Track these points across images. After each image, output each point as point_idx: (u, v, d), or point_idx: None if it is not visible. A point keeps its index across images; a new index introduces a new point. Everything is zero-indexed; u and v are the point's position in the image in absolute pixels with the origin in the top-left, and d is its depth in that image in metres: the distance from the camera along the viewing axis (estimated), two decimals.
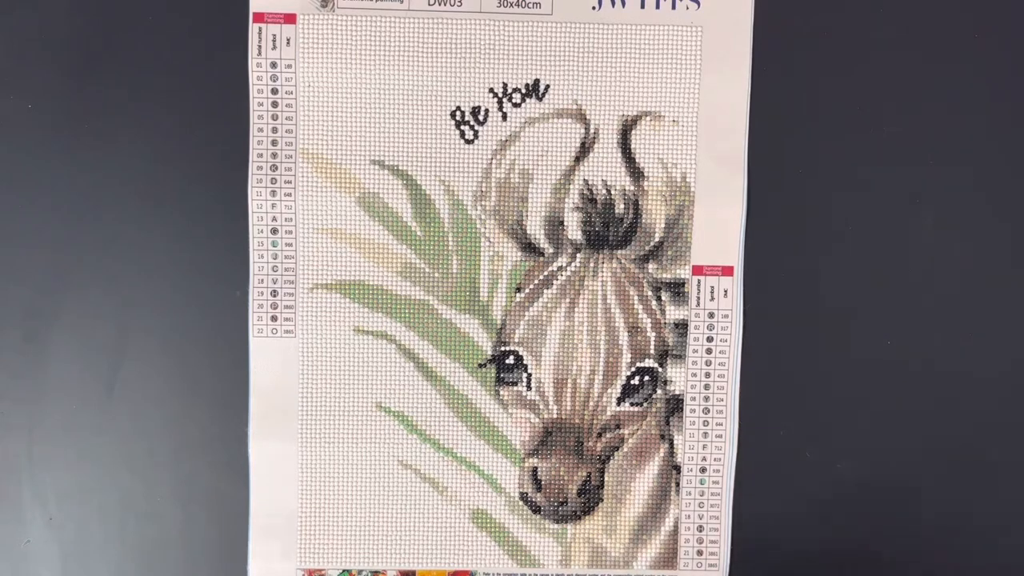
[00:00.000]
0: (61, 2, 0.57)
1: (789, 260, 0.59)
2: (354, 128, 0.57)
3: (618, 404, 0.59)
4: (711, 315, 0.59)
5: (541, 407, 0.59)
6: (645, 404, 0.59)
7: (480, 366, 0.59)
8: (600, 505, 0.60)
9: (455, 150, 0.58)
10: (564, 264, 0.59)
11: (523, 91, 0.58)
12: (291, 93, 0.57)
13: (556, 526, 0.60)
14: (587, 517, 0.60)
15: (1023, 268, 0.60)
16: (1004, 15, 0.58)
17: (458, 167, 0.58)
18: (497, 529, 0.60)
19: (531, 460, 0.59)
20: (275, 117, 0.57)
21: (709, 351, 0.59)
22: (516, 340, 0.59)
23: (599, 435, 0.59)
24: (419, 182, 0.58)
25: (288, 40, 0.57)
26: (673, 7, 0.57)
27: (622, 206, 0.58)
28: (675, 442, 0.60)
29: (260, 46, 0.57)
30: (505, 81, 0.57)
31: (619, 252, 0.59)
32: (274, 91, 0.57)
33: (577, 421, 0.59)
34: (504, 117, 0.58)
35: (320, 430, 0.59)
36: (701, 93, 0.58)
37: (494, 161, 0.58)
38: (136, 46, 0.57)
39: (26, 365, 0.58)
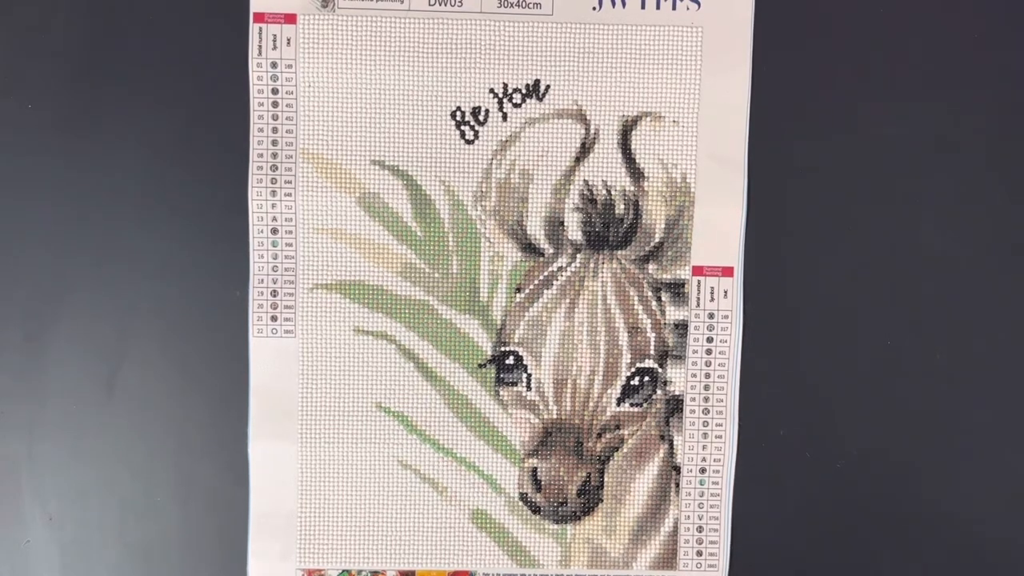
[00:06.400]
0: (61, 2, 0.57)
1: (789, 260, 0.59)
2: (354, 128, 0.57)
3: (618, 404, 0.59)
4: (711, 316, 0.59)
5: (541, 407, 0.59)
6: (645, 405, 0.59)
7: (480, 366, 0.59)
8: (600, 505, 0.60)
9: (455, 150, 0.58)
10: (564, 264, 0.59)
11: (523, 91, 0.58)
12: (291, 93, 0.57)
13: (556, 526, 0.60)
14: (587, 517, 0.60)
15: (1023, 268, 0.60)
16: (1005, 15, 0.58)
17: (458, 167, 0.58)
18: (497, 529, 0.60)
19: (531, 460, 0.59)
20: (275, 117, 0.57)
21: (709, 352, 0.59)
22: (516, 340, 0.59)
23: (599, 435, 0.59)
24: (419, 182, 0.58)
25: (288, 40, 0.57)
26: (673, 7, 0.57)
27: (622, 206, 0.58)
28: (675, 443, 0.60)
29: (260, 46, 0.57)
30: (505, 81, 0.57)
31: (619, 252, 0.59)
32: (274, 91, 0.57)
33: (577, 421, 0.59)
34: (504, 117, 0.58)
35: (320, 430, 0.59)
36: (701, 93, 0.58)
37: (494, 161, 0.58)
38: (136, 46, 0.57)
39: (26, 365, 0.58)
